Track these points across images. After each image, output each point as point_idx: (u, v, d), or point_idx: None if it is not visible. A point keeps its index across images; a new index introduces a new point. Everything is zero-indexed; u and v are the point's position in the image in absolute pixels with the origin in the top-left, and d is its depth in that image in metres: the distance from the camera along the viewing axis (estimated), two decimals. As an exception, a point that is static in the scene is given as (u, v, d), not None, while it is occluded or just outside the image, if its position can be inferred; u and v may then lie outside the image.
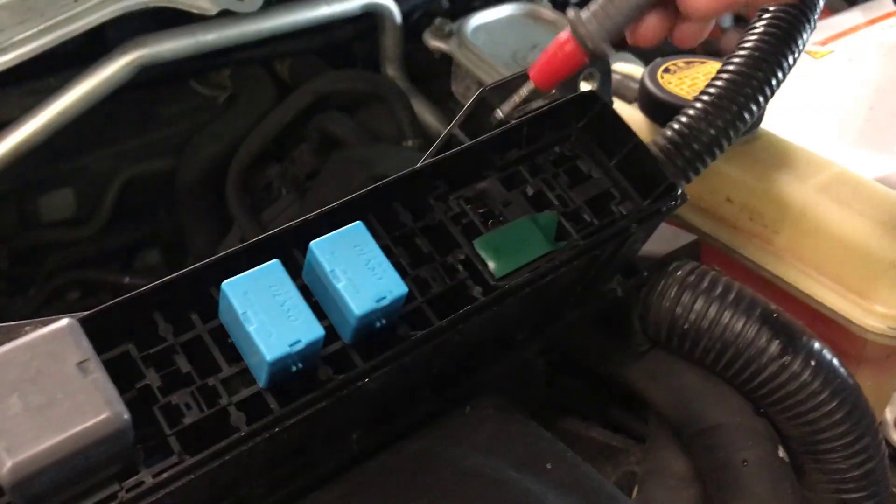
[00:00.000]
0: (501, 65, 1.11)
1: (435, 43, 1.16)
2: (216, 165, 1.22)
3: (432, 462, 0.52)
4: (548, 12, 1.21)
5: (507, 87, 0.57)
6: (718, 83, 0.62)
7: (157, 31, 0.99)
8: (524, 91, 0.53)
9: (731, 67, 0.62)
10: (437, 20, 1.17)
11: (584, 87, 0.60)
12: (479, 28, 1.17)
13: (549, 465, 0.52)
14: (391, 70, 1.20)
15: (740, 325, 0.61)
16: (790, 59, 0.62)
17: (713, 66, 0.78)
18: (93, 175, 1.26)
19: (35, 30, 0.92)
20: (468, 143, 0.54)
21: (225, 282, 0.44)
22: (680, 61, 0.78)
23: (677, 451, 0.68)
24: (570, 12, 0.49)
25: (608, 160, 0.56)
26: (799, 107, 0.88)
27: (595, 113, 0.56)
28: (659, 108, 0.73)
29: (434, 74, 1.25)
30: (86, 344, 0.39)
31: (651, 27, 0.50)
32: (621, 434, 0.77)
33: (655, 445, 0.71)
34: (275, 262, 0.45)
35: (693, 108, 0.61)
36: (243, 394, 0.45)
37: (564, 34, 0.52)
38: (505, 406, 0.57)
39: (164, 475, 0.41)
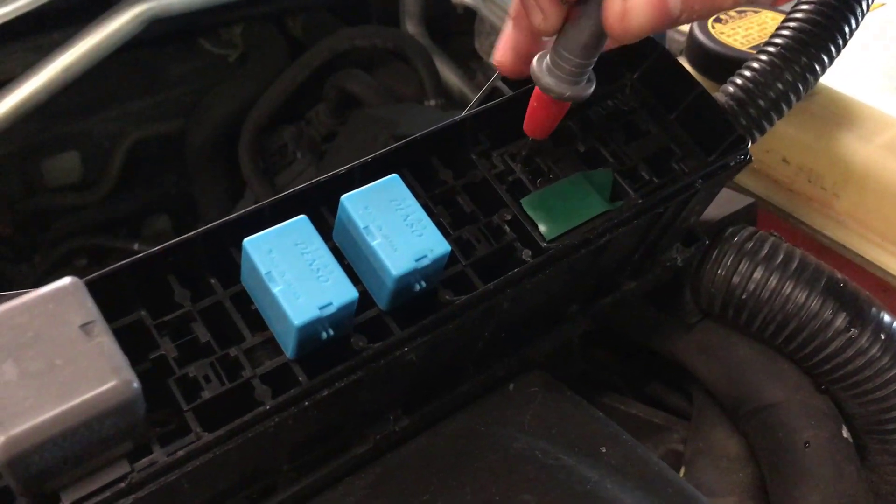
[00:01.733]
0: (529, 21, 1.05)
1: (458, -3, 1.10)
2: (228, 127, 1.17)
3: (477, 444, 0.47)
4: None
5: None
6: (785, 33, 0.56)
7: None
8: (524, 150, 0.47)
9: (799, 15, 0.56)
10: (461, -27, 1.11)
11: None
12: (505, -19, 1.10)
13: (603, 449, 0.47)
14: (411, 26, 1.14)
15: (804, 296, 0.56)
16: (863, 5, 0.56)
17: (768, 15, 0.72)
18: (98, 137, 1.22)
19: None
20: (512, 93, 0.49)
21: (247, 239, 0.38)
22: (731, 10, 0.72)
23: (729, 430, 0.63)
24: (534, 63, 0.43)
25: (667, 113, 0.50)
26: (850, 62, 0.81)
27: (652, 61, 0.50)
28: (713, 61, 0.68)
29: (454, 31, 1.20)
30: (90, 304, 0.34)
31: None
32: (662, 410, 0.73)
33: (703, 423, 0.66)
34: (302, 217, 0.40)
35: (758, 60, 0.56)
36: (268, 365, 0.40)
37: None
38: (551, 383, 0.52)
39: (180, 453, 0.37)
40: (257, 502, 0.44)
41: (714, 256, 0.58)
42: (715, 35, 0.69)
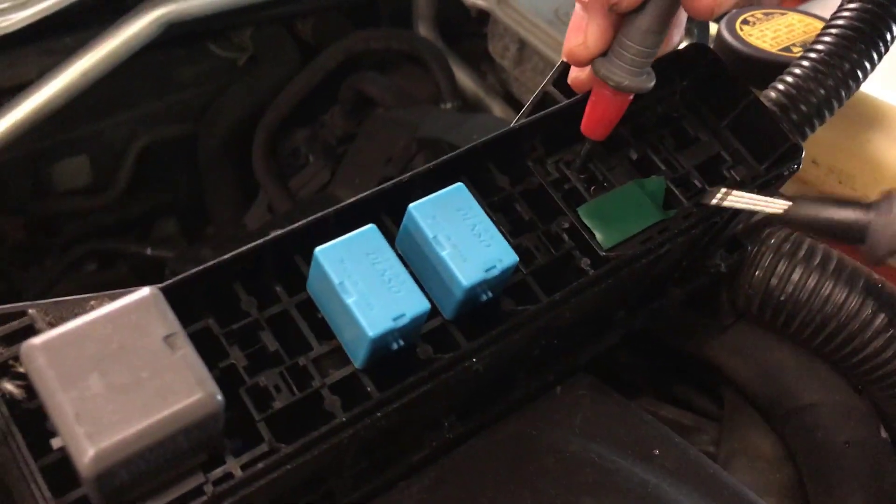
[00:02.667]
0: (544, 21, 1.05)
1: (472, 0, 1.10)
2: (240, 130, 1.17)
3: (532, 447, 0.47)
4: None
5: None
6: (828, 39, 0.56)
7: (185, -14, 0.93)
8: (584, 150, 0.48)
9: (841, 21, 0.56)
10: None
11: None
12: (520, -18, 1.11)
13: (656, 451, 0.47)
14: (423, 29, 1.14)
15: (843, 296, 0.56)
16: None
17: (795, 17, 0.73)
18: (109, 141, 1.21)
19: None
20: (565, 101, 0.49)
21: (318, 248, 0.39)
22: (758, 12, 0.72)
23: (764, 431, 0.64)
24: (597, 60, 0.44)
25: (718, 120, 0.50)
26: (883, 64, 0.82)
27: (702, 68, 0.51)
28: (744, 63, 0.68)
29: (466, 32, 1.20)
30: (171, 315, 0.34)
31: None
32: (692, 412, 0.73)
33: (737, 424, 0.66)
34: (371, 226, 0.40)
35: (800, 66, 0.56)
36: (337, 375, 0.40)
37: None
38: (598, 386, 0.52)
39: (257, 466, 0.37)
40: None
41: (752, 258, 0.58)
42: (744, 37, 0.70)
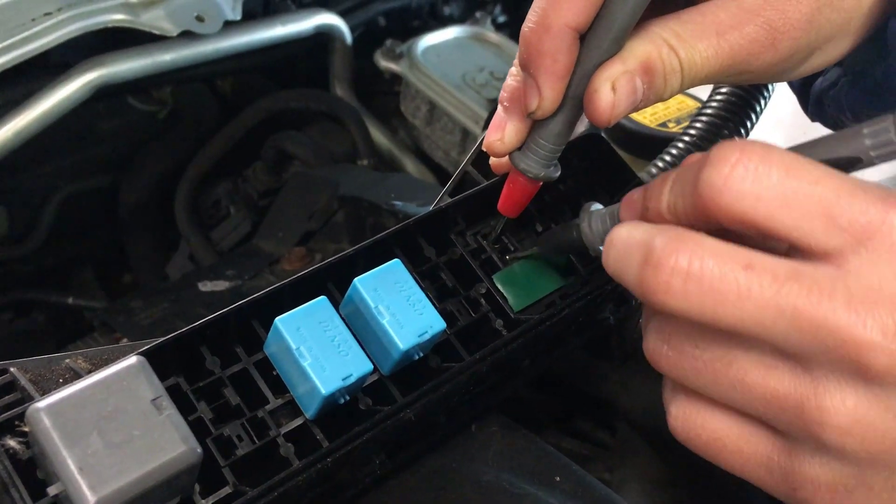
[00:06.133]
0: (452, 86, 1.15)
1: (386, 63, 1.19)
2: (161, 183, 1.21)
3: (452, 478, 0.54)
4: (492, 35, 1.26)
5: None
6: (699, 123, 0.67)
7: (115, 51, 0.98)
8: (499, 225, 0.56)
9: (710, 108, 0.67)
10: (388, 42, 1.20)
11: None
12: (428, 49, 1.20)
13: (557, 478, 0.56)
14: (340, 89, 1.21)
15: None
16: (765, 96, 0.68)
17: (673, 98, 0.84)
18: (28, 193, 1.23)
19: (-11, 50, 0.90)
20: (483, 182, 0.57)
21: (279, 318, 0.45)
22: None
23: (652, 458, 0.73)
24: (514, 154, 0.52)
25: (610, 197, 0.60)
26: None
27: (597, 154, 0.60)
28: (629, 136, 0.78)
29: (378, 92, 1.28)
30: (156, 381, 0.40)
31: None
32: (588, 443, 0.82)
33: (629, 453, 0.76)
34: (323, 298, 0.47)
35: (677, 146, 0.67)
36: (291, 425, 0.46)
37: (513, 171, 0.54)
38: (508, 423, 0.60)
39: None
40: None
41: (634, 310, 0.68)
42: (632, 115, 0.80)
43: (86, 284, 1.33)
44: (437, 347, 0.51)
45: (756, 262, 0.37)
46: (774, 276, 0.37)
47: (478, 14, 1.31)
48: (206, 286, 0.94)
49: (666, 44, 0.47)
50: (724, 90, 0.69)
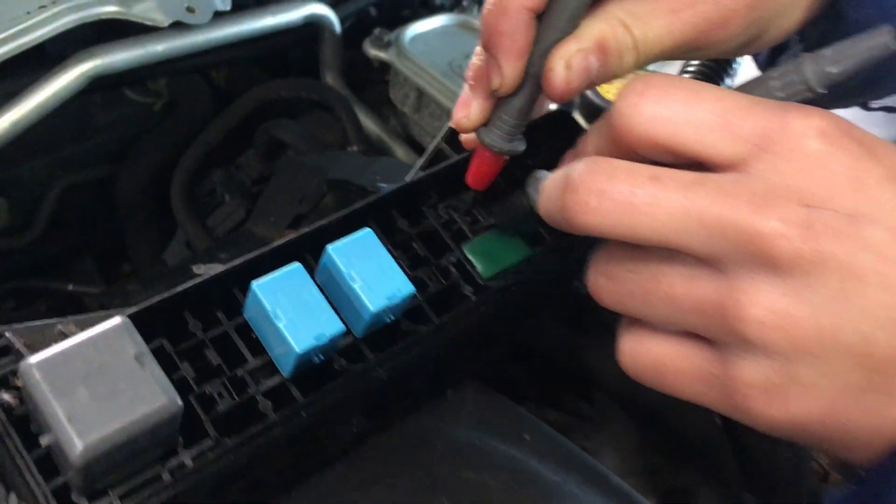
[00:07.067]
0: (439, 73, 1.17)
1: (374, 52, 1.21)
2: (158, 173, 1.24)
3: (425, 438, 0.58)
4: (478, 22, 1.28)
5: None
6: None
7: (109, 42, 1.01)
8: (469, 198, 0.59)
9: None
10: (377, 30, 1.23)
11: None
12: (415, 38, 1.23)
13: (527, 436, 0.59)
14: (330, 78, 1.24)
15: None
16: (726, 81, 0.71)
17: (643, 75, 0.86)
18: (27, 184, 1.26)
19: (-14, 42, 0.93)
20: (455, 157, 0.60)
21: (255, 282, 0.48)
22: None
23: (628, 425, 0.76)
24: (480, 129, 0.54)
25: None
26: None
27: (565, 129, 0.63)
28: (598, 112, 0.81)
29: (370, 81, 1.31)
30: (139, 339, 0.43)
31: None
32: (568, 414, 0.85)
33: (606, 421, 0.79)
34: (297, 264, 0.50)
35: None
36: (269, 384, 0.49)
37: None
38: (482, 388, 0.63)
39: (206, 457, 0.46)
40: (247, 495, 0.53)
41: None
42: (602, 93, 0.83)
43: (86, 274, 1.36)
44: (408, 313, 0.54)
45: (662, 174, 0.41)
46: (680, 184, 0.40)
47: (465, 2, 1.34)
48: (199, 269, 0.97)
49: (620, 23, 0.50)
50: (692, 67, 0.71)
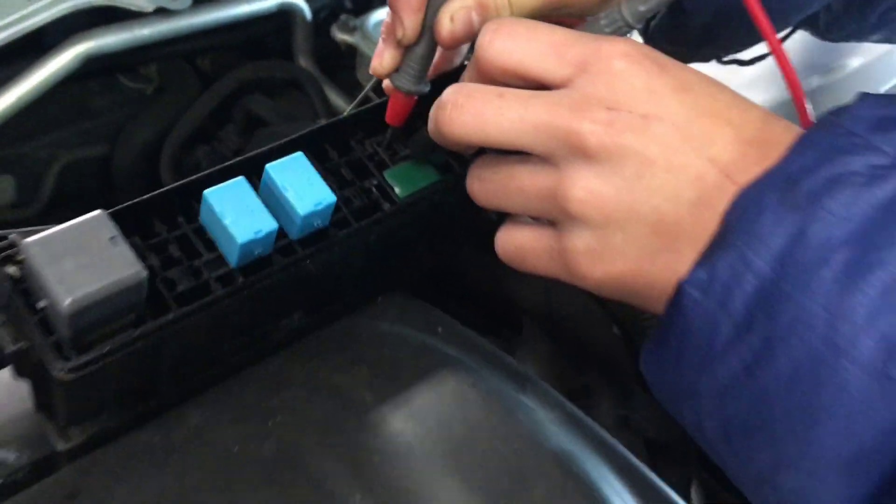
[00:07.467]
0: (399, 55, 1.30)
1: (341, 36, 1.35)
2: (149, 149, 1.37)
3: (354, 329, 0.71)
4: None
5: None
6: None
7: (100, 27, 1.14)
8: (389, 134, 0.71)
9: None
10: (343, 16, 1.36)
11: None
12: (379, 23, 1.36)
13: (440, 329, 0.72)
14: (303, 61, 1.37)
15: None
16: None
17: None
18: (31, 162, 1.39)
19: (-8, 28, 1.06)
20: (378, 101, 0.73)
21: (206, 191, 0.61)
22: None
23: (544, 339, 0.89)
24: (392, 75, 0.67)
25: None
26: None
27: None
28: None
29: (341, 66, 1.44)
30: (113, 226, 0.56)
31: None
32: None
33: (528, 339, 0.91)
34: (241, 178, 0.62)
35: None
36: (219, 272, 0.62)
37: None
38: (408, 296, 0.76)
39: (167, 323, 0.59)
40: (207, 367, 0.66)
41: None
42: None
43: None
44: (335, 222, 0.67)
45: (506, 92, 0.55)
46: (520, 99, 0.54)
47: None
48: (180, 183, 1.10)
49: None
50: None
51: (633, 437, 0.82)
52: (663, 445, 0.84)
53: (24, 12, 1.07)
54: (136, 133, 1.39)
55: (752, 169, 0.50)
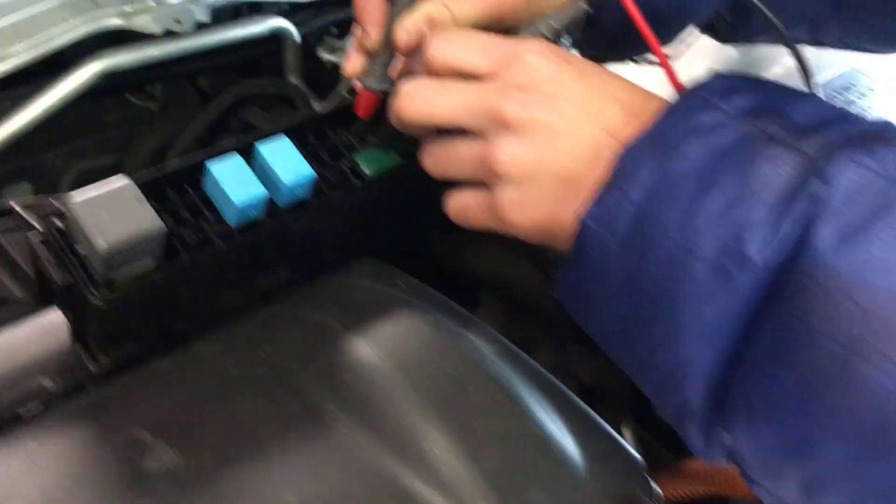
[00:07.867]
0: (379, 72, 1.47)
1: (326, 56, 1.51)
2: (156, 158, 1.53)
3: (333, 285, 0.86)
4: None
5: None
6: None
7: (115, 47, 1.30)
8: (359, 125, 0.86)
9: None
10: (328, 39, 1.53)
11: None
12: (360, 46, 1.52)
13: (399, 283, 0.87)
14: (293, 78, 1.53)
15: None
16: None
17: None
18: (48, 170, 1.54)
19: (22, 49, 1.22)
20: (351, 99, 0.89)
21: (208, 161, 0.77)
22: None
23: (500, 307, 1.04)
24: (361, 77, 0.82)
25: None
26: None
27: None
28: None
29: (326, 82, 1.61)
30: (137, 190, 0.72)
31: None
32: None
33: (488, 311, 1.06)
34: (237, 154, 0.78)
35: None
36: (220, 230, 0.77)
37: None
38: (381, 263, 0.92)
39: (180, 266, 0.74)
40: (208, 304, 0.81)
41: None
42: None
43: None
44: (315, 195, 0.82)
45: (448, 83, 0.71)
46: (457, 88, 0.70)
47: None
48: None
49: (444, 4, 0.79)
50: None
51: (569, 380, 0.97)
52: (597, 390, 0.98)
53: (49, 34, 1.23)
54: (143, 144, 1.55)
55: (634, 133, 0.65)
